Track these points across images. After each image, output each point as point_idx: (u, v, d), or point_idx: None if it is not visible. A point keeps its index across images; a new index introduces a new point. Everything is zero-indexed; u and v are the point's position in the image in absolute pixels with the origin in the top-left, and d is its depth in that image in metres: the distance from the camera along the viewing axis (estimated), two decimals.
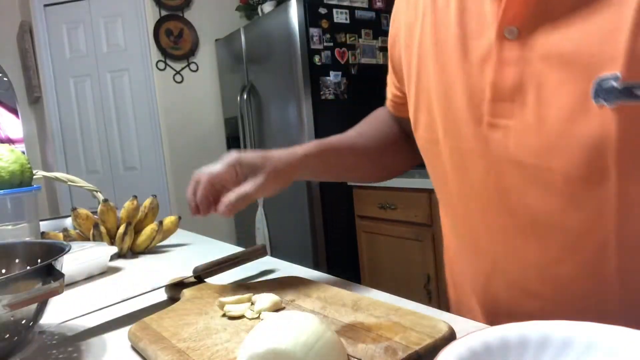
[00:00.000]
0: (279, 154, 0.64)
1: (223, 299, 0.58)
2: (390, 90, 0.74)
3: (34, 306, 0.52)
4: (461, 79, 0.50)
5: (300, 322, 0.41)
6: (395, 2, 0.67)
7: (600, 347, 0.35)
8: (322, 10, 2.55)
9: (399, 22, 0.64)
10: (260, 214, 2.87)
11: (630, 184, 0.41)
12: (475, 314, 0.63)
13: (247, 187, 0.60)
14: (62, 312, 0.69)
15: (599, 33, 0.40)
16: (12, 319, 0.50)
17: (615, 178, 0.41)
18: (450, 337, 0.46)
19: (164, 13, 3.19)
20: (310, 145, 0.67)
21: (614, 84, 0.39)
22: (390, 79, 0.74)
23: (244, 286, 0.67)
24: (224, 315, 0.57)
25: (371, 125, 0.77)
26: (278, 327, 0.41)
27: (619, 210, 0.43)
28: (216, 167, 0.62)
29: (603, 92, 0.40)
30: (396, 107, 0.73)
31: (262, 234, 2.89)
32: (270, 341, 0.39)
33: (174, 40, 3.21)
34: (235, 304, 0.58)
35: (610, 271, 0.46)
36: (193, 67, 3.29)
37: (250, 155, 0.62)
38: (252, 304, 0.58)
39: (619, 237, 0.44)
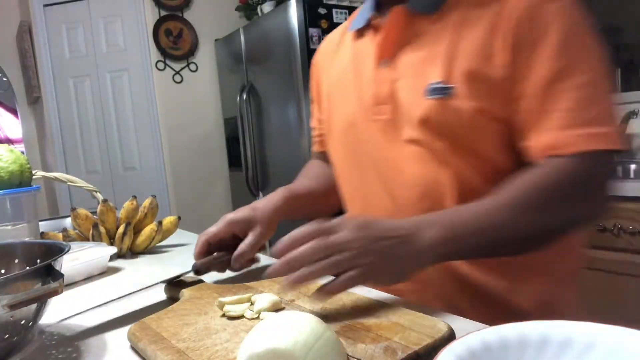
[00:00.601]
0: (263, 205, 0.79)
1: (223, 299, 0.58)
2: (316, 127, 0.96)
3: (33, 306, 0.52)
4: (357, 94, 0.78)
5: (300, 322, 0.41)
6: (321, 45, 0.94)
7: (599, 346, 0.35)
8: (322, 11, 2.55)
9: (317, 62, 0.93)
10: None
11: (446, 143, 0.68)
12: None
13: (250, 238, 0.74)
14: (61, 312, 0.69)
15: (428, 59, 0.69)
16: (11, 319, 0.50)
17: (438, 140, 0.68)
18: (450, 337, 0.46)
19: (163, 13, 3.18)
20: (279, 193, 0.82)
21: (437, 85, 0.67)
22: (315, 111, 0.96)
23: (244, 286, 0.67)
24: (223, 315, 0.57)
25: (315, 173, 0.95)
26: (277, 327, 0.41)
27: (447, 161, 0.69)
28: (212, 229, 0.74)
29: (431, 91, 0.68)
30: (323, 143, 0.93)
31: None
32: (270, 341, 0.39)
33: (173, 41, 3.21)
34: (234, 304, 0.58)
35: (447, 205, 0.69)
36: (192, 67, 3.29)
37: (240, 212, 0.76)
38: (252, 304, 0.58)
39: (453, 181, 0.69)
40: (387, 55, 0.73)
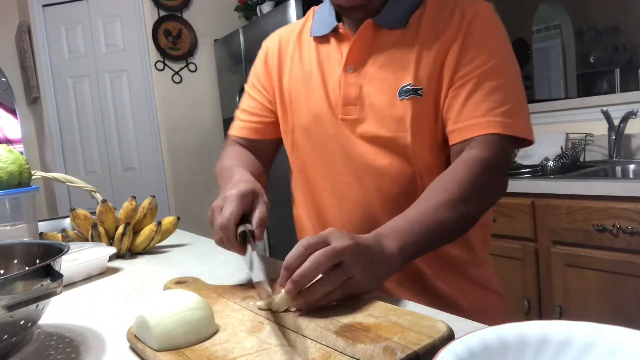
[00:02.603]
0: (249, 178, 0.77)
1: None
2: (252, 120, 0.97)
3: (32, 307, 0.52)
4: (324, 95, 0.85)
5: (173, 299, 0.52)
6: (270, 38, 0.99)
7: (598, 346, 0.35)
8: None
9: (273, 54, 0.95)
10: None
11: (416, 136, 0.78)
12: None
13: (261, 208, 0.69)
14: (61, 312, 0.69)
15: (399, 66, 0.79)
16: (10, 319, 0.50)
17: (410, 134, 0.78)
18: (449, 337, 0.46)
19: (162, 13, 3.18)
20: (247, 173, 0.80)
21: (409, 87, 0.78)
22: (257, 97, 0.96)
23: (243, 286, 0.67)
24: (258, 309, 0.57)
25: (247, 160, 0.93)
26: (157, 299, 0.52)
27: (414, 156, 0.79)
28: (231, 211, 0.66)
29: (403, 92, 0.79)
30: (258, 132, 0.96)
31: None
32: (142, 310, 0.51)
33: (172, 41, 3.21)
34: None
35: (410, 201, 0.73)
36: (192, 67, 3.29)
37: (242, 185, 0.70)
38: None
39: (420, 170, 0.80)
40: (354, 63, 0.83)
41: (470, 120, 0.75)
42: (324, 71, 0.86)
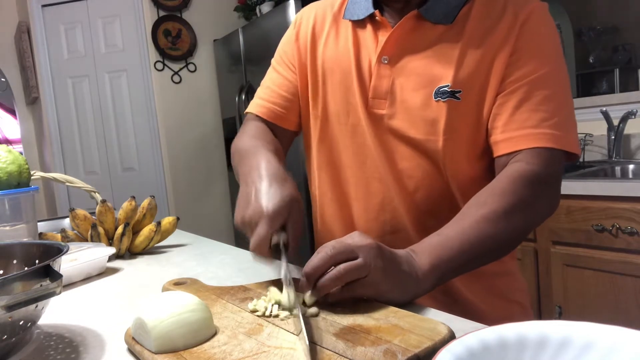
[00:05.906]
0: (282, 174, 0.68)
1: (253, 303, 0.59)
2: (275, 101, 0.89)
3: (32, 307, 0.52)
4: (357, 82, 0.80)
5: (172, 300, 0.51)
6: (305, 10, 0.91)
7: (598, 346, 0.35)
8: None
9: (306, 29, 0.88)
10: None
11: (449, 143, 0.74)
12: None
13: (292, 231, 0.65)
14: (60, 313, 0.69)
15: (438, 63, 0.74)
16: (9, 320, 0.50)
17: (442, 139, 0.74)
18: (450, 339, 0.46)
19: (162, 13, 3.18)
20: (280, 165, 0.71)
21: (446, 89, 0.73)
22: (281, 85, 0.89)
23: (242, 287, 0.67)
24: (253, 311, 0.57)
25: (268, 137, 0.86)
26: (156, 302, 0.52)
27: (445, 163, 0.75)
28: (264, 233, 0.61)
29: (440, 94, 0.74)
30: (280, 118, 0.89)
31: None
32: (140, 312, 0.51)
33: (172, 41, 3.21)
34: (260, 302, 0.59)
35: (445, 210, 0.74)
36: (191, 67, 3.29)
37: (278, 196, 0.64)
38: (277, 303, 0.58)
39: (454, 186, 0.76)
40: (389, 54, 0.77)
41: (520, 131, 0.71)
42: (359, 58, 0.81)
